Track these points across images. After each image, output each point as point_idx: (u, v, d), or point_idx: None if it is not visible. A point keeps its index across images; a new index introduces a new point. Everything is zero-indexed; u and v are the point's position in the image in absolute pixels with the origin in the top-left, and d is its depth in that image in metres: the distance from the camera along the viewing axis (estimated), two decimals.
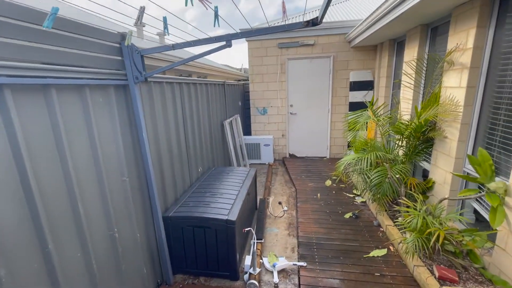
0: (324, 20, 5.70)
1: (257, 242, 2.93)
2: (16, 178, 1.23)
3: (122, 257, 1.92)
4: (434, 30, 3.47)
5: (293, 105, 6.19)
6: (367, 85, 5.71)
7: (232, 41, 1.73)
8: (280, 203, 4.11)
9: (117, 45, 1.90)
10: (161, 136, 2.53)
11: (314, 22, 1.55)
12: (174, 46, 1.81)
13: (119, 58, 1.94)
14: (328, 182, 4.80)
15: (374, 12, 3.70)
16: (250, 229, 2.45)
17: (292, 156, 6.51)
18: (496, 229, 2.23)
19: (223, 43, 1.74)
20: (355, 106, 5.67)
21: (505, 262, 2.14)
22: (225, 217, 2.37)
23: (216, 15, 1.33)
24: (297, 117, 6.25)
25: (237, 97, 6.28)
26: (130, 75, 1.94)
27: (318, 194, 4.33)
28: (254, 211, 3.76)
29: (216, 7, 1.31)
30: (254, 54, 6.02)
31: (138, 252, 2.13)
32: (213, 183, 3.21)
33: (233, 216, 2.38)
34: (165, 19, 1.40)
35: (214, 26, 1.34)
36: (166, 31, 1.44)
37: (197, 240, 2.46)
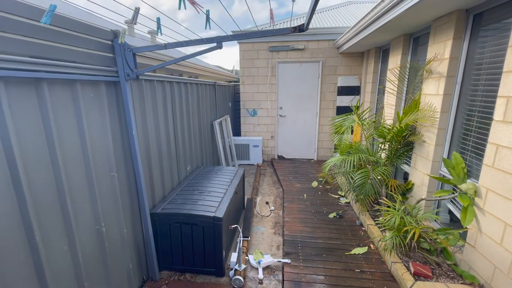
0: (313, 26, 5.88)
1: (243, 240, 2.99)
2: (5, 169, 1.25)
3: (108, 252, 1.94)
4: (416, 40, 3.67)
5: (282, 108, 6.31)
6: (354, 90, 5.90)
7: (223, 43, 1.80)
8: (267, 203, 4.19)
9: (110, 43, 1.93)
10: (150, 134, 2.56)
11: (300, 29, 1.64)
12: (166, 46, 1.86)
13: (111, 55, 1.97)
14: (315, 183, 4.92)
15: (360, 20, 3.87)
16: (236, 226, 2.51)
17: (280, 157, 6.62)
18: (466, 228, 2.39)
19: (214, 44, 1.81)
20: (342, 110, 5.85)
21: (474, 259, 2.30)
22: (212, 214, 2.42)
23: (208, 18, 1.40)
24: (286, 119, 6.37)
25: (228, 98, 6.34)
26: (122, 72, 1.97)
27: (305, 195, 4.43)
28: (242, 210, 3.82)
29: (207, 11, 1.38)
30: (245, 56, 6.10)
31: (124, 247, 2.15)
32: (202, 182, 3.25)
33: (220, 213, 2.44)
34: (158, 19, 1.45)
35: (206, 28, 1.41)
36: (159, 31, 1.49)
37: (184, 236, 2.50)
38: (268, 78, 6.14)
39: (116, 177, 2.03)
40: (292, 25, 1.65)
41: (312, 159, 6.50)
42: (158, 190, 2.73)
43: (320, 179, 5.03)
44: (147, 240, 2.38)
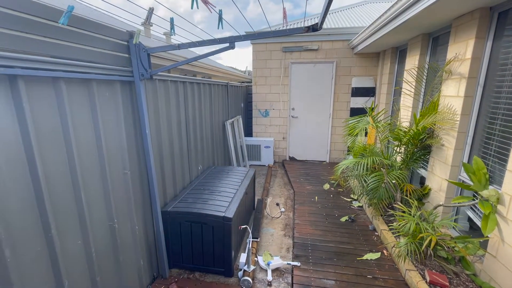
0: (328, 26, 5.80)
1: (253, 241, 2.98)
2: (25, 164, 1.30)
3: (120, 248, 1.98)
4: (435, 40, 3.53)
5: (294, 109, 6.26)
6: (368, 92, 5.77)
7: (236, 43, 1.80)
8: (277, 204, 4.16)
9: (125, 43, 1.98)
10: (163, 133, 2.60)
11: (314, 28, 1.61)
12: (179, 46, 1.88)
13: (127, 55, 2.02)
14: (326, 186, 4.84)
15: (376, 20, 3.77)
16: (246, 227, 2.50)
17: (292, 159, 6.56)
18: (487, 237, 2.27)
19: (227, 44, 1.81)
20: (356, 112, 5.73)
21: (496, 269, 2.17)
22: (222, 214, 2.42)
23: (220, 18, 1.40)
24: (298, 120, 6.31)
25: (240, 98, 6.35)
26: (136, 72, 2.01)
27: (316, 197, 4.37)
28: (252, 211, 3.80)
29: (220, 11, 1.38)
30: (258, 57, 6.10)
31: (136, 244, 2.19)
32: (212, 181, 3.27)
33: (230, 213, 2.44)
34: (172, 20, 1.47)
35: (218, 28, 1.41)
36: (172, 31, 1.51)
37: (194, 235, 2.51)
38: (280, 79, 6.11)
39: (129, 175, 2.07)
40: (306, 25, 1.62)
41: (324, 161, 6.40)
42: (169, 189, 2.77)
43: (332, 181, 4.94)
44: (158, 237, 2.42)
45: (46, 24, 1.36)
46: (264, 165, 6.24)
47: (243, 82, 7.34)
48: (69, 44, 1.51)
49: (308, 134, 6.33)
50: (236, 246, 2.73)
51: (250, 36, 1.75)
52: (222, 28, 1.38)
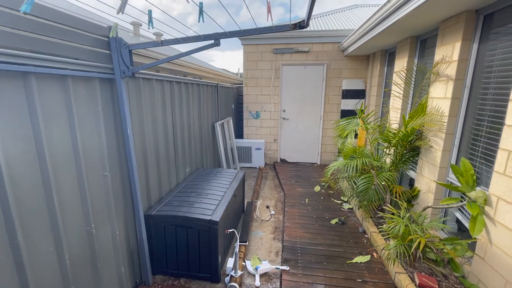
0: (318, 29, 5.82)
1: (241, 245, 2.90)
2: None
3: (98, 254, 1.87)
4: (423, 42, 3.57)
5: (285, 110, 6.23)
6: (359, 94, 5.80)
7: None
8: (267, 207, 4.09)
9: (106, 39, 1.89)
10: (147, 133, 2.51)
11: (301, 25, 1.57)
12: (162, 43, 1.81)
13: (107, 51, 1.93)
14: (317, 188, 4.81)
15: (365, 22, 3.79)
16: (233, 230, 2.42)
17: (283, 161, 6.52)
18: (475, 238, 2.26)
19: (212, 41, 1.75)
20: (346, 114, 5.74)
21: (484, 271, 2.16)
22: (208, 218, 2.34)
23: (201, 11, 1.33)
24: (289, 122, 6.28)
25: (231, 100, 6.29)
26: (117, 69, 1.92)
27: (306, 199, 4.33)
28: (241, 214, 3.73)
29: (201, 3, 1.32)
30: (249, 58, 6.06)
31: (116, 250, 2.08)
32: (200, 184, 3.18)
33: (217, 217, 2.36)
34: (150, 12, 1.40)
35: (199, 22, 1.34)
36: (150, 24, 1.44)
37: (179, 240, 2.42)
38: (271, 81, 6.08)
39: (109, 177, 1.97)
40: (292, 23, 1.58)
41: (316, 163, 6.39)
42: (154, 191, 2.67)
43: (323, 183, 4.91)
44: (141, 242, 2.31)
45: (12, 14, 1.27)
46: (255, 167, 6.17)
47: (235, 84, 7.29)
48: (40, 37, 1.41)
49: (299, 136, 6.31)
50: (224, 250, 2.65)
51: (235, 33, 1.70)
52: (203, 22, 1.32)
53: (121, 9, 1.22)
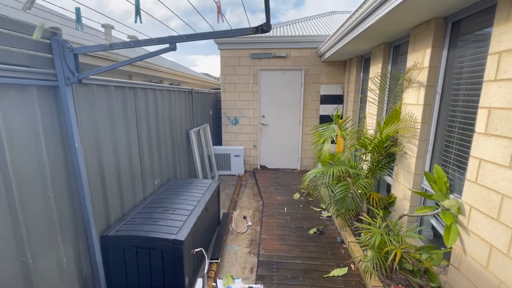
0: (296, 34, 5.79)
1: (212, 262, 2.71)
2: None
3: None
4: (396, 49, 3.58)
5: (265, 116, 6.13)
6: (337, 99, 5.80)
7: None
8: (245, 217, 3.92)
9: (47, 41, 1.67)
10: (105, 145, 2.27)
11: (263, 29, 1.44)
12: (111, 46, 1.62)
13: (49, 55, 1.70)
14: (297, 195, 4.70)
15: (339, 28, 3.77)
16: (201, 250, 2.23)
17: (263, 167, 6.39)
18: (450, 248, 2.21)
19: (167, 45, 1.58)
20: (325, 119, 5.72)
21: (459, 282, 2.11)
22: (172, 237, 2.13)
23: (138, 11, 1.17)
24: (269, 128, 6.18)
25: (208, 105, 6.09)
26: (61, 75, 1.70)
27: (285, 208, 4.20)
28: (216, 227, 3.53)
29: (137, 1, 1.15)
30: (226, 63, 5.92)
31: (63, 280, 1.83)
32: (169, 197, 2.96)
33: (182, 236, 2.16)
34: (77, 10, 1.22)
35: (135, 22, 1.18)
36: (79, 25, 1.25)
37: (140, 263, 2.19)
38: (250, 86, 5.96)
39: (52, 198, 1.73)
40: (254, 26, 1.45)
41: (296, 169, 6.31)
42: (114, 209, 2.43)
43: (303, 190, 4.82)
44: (95, 269, 2.06)
45: None
46: (234, 175, 5.99)
47: (217, 89, 7.10)
48: None
49: (279, 142, 6.22)
50: (192, 270, 2.44)
51: (193, 37, 1.54)
52: (141, 23, 1.16)
53: (28, 5, 1.03)
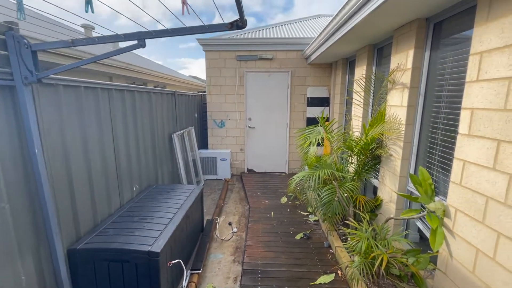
0: (282, 36, 5.75)
1: (193, 273, 2.56)
2: None
3: None
4: (380, 50, 3.58)
5: (251, 119, 6.03)
6: (323, 102, 5.79)
7: (146, 41, 1.46)
8: (230, 223, 3.79)
9: (2, 37, 1.51)
10: (73, 150, 2.11)
11: (238, 25, 1.35)
12: (73, 42, 1.48)
13: (5, 52, 1.55)
14: (284, 199, 4.61)
15: (323, 30, 3.74)
16: (178, 261, 2.09)
17: (250, 171, 6.28)
18: (437, 252, 2.17)
19: (135, 42, 1.46)
20: (312, 122, 5.68)
21: (446, 287, 2.07)
22: (147, 248, 1.99)
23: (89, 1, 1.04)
24: (255, 131, 6.08)
25: (193, 108, 5.94)
26: (18, 74, 1.54)
27: (272, 213, 4.10)
28: (199, 234, 3.38)
29: None
30: (211, 65, 5.80)
31: None
32: (147, 205, 2.80)
33: (158, 247, 2.01)
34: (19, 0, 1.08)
35: (87, 12, 1.06)
36: (20, 14, 1.11)
37: (113, 278, 2.02)
38: (236, 88, 5.86)
39: (7, 209, 1.55)
40: (229, 22, 1.35)
41: (284, 172, 6.23)
42: (85, 219, 2.25)
43: (290, 194, 4.73)
44: (60, 285, 1.88)
45: None
46: (221, 179, 5.85)
47: (201, 92, 6.96)
48: None
49: (266, 145, 6.13)
50: (171, 283, 2.29)
51: (163, 33, 1.43)
52: (93, 13, 1.03)
53: None
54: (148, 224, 2.37)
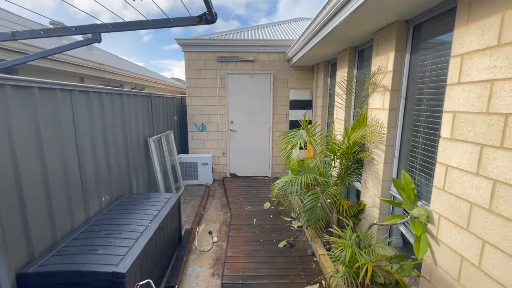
0: (263, 38, 5.66)
1: None
2: None
3: None
4: (361, 53, 3.56)
5: (233, 122, 5.87)
6: (306, 104, 5.74)
7: (102, 35, 1.27)
8: (210, 232, 3.60)
9: None
10: (24, 158, 1.85)
11: (207, 19, 1.20)
12: (14, 34, 1.26)
13: None
14: (267, 205, 4.48)
15: (304, 32, 3.68)
16: (148, 282, 1.89)
17: (233, 175, 6.10)
18: (421, 259, 2.11)
19: (89, 36, 1.27)
20: (295, 125, 5.62)
21: None
22: (111, 269, 1.77)
23: None
24: (238, 134, 5.93)
25: (172, 111, 5.69)
26: None
27: (254, 220, 3.95)
28: (176, 246, 3.16)
29: None
30: (191, 66, 5.60)
31: None
32: (116, 217, 2.56)
33: (124, 266, 1.80)
34: None
35: None
36: None
37: None
38: (217, 90, 5.68)
39: None
40: (198, 15, 1.20)
41: (267, 177, 6.11)
42: (41, 236, 1.99)
43: (273, 199, 4.60)
44: None
45: None
46: (202, 185, 5.63)
47: (181, 94, 6.70)
48: None
49: (249, 149, 5.99)
50: None
51: (121, 26, 1.25)
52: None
53: None
54: (115, 240, 2.14)
